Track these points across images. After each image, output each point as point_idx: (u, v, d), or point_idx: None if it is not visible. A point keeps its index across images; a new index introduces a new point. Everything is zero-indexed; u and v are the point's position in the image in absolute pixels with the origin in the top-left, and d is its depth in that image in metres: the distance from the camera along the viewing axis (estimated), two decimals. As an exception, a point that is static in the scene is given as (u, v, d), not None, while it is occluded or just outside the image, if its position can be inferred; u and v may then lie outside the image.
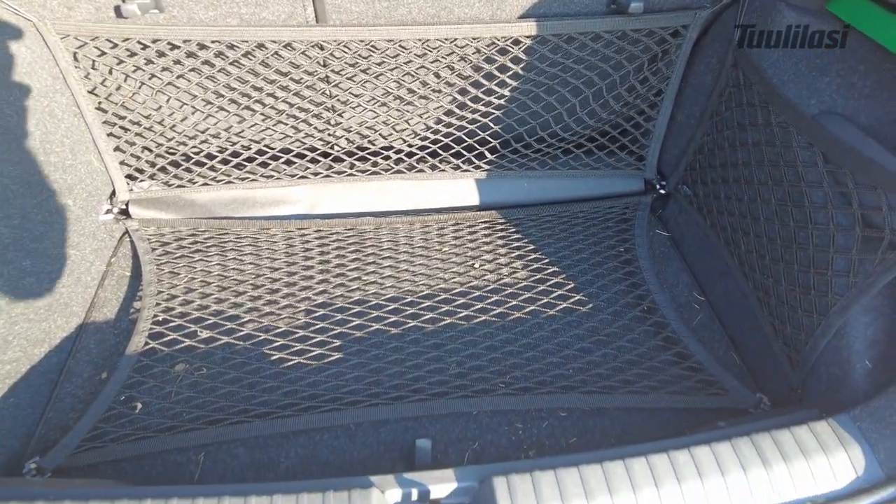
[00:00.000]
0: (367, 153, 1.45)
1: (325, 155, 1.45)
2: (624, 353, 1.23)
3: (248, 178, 1.44)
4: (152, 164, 1.41)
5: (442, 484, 0.85)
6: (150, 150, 1.40)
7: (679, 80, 1.39)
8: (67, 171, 1.25)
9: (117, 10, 1.14)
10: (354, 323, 1.25)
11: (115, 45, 1.20)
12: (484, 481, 0.82)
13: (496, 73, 1.32)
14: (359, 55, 1.27)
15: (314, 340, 1.21)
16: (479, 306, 1.29)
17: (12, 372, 1.06)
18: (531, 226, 1.50)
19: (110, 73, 1.25)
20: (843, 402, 0.99)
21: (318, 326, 1.24)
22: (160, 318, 1.24)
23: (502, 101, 1.38)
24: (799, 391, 1.10)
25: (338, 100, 1.35)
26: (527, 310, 1.29)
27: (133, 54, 1.23)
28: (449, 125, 1.42)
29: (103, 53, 1.21)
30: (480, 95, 1.36)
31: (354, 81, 1.32)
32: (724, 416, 1.13)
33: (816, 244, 1.06)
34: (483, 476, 0.84)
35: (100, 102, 1.27)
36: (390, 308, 1.28)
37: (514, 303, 1.30)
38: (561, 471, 0.82)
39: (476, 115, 1.40)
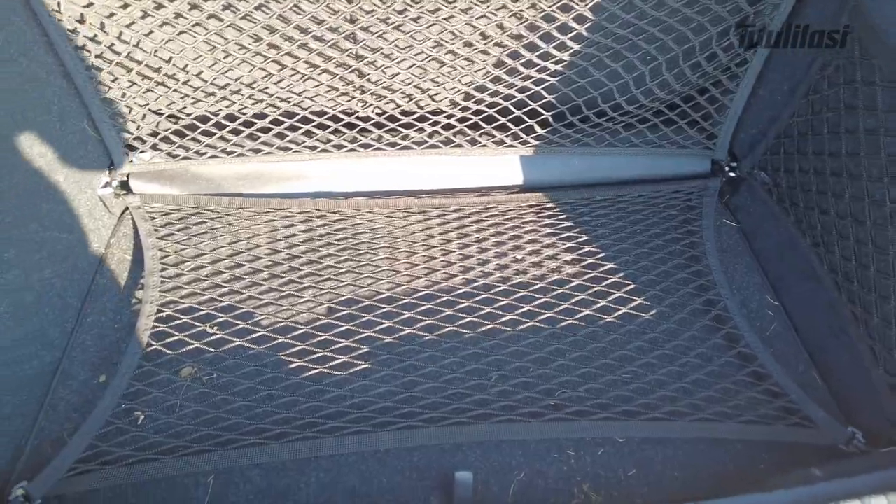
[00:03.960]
0: (399, 124, 1.26)
1: (350, 126, 1.26)
2: (692, 371, 1.07)
3: (262, 150, 1.26)
4: (154, 133, 1.23)
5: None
6: (152, 117, 1.22)
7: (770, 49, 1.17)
8: (55, 143, 1.08)
9: None
10: (383, 325, 1.09)
11: (105, -8, 1.00)
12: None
13: (555, 33, 1.11)
14: (393, 9, 1.07)
15: (339, 346, 1.06)
16: (525, 309, 1.13)
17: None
18: (583, 211, 1.32)
19: (102, 28, 1.06)
20: (968, 455, 0.83)
21: (342, 328, 1.09)
22: (164, 315, 1.10)
23: (559, 67, 1.17)
24: (903, 429, 0.95)
25: (366, 62, 1.16)
26: (580, 315, 1.13)
27: (127, 4, 1.03)
28: (495, 93, 1.22)
29: (90, 4, 1.01)
30: (535, 60, 1.15)
31: (386, 40, 1.12)
32: (807, 452, 0.98)
33: (946, 263, 0.88)
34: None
35: (91, 62, 1.08)
36: (424, 308, 1.12)
37: (566, 306, 1.14)
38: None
39: (528, 83, 1.20)
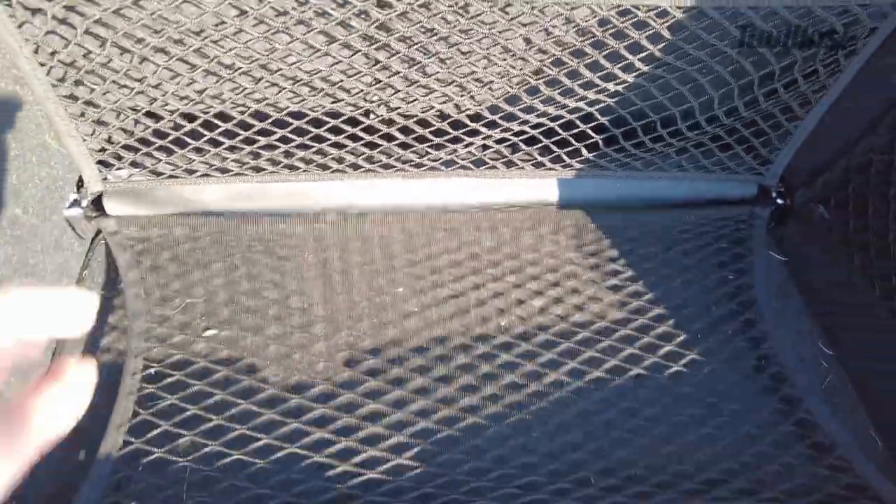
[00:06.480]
0: (428, 146, 1.08)
1: (371, 145, 1.07)
2: (754, 442, 0.98)
3: (264, 168, 1.07)
4: (133, 149, 1.02)
5: None
6: (129, 131, 1.01)
7: (852, 76, 1.03)
8: (11, 166, 0.87)
9: None
10: (418, 385, 0.95)
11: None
12: None
13: (624, 52, 0.94)
14: (440, 18, 0.88)
15: (391, 418, 0.92)
16: (569, 366, 1.00)
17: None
18: (626, 238, 1.19)
19: (61, 23, 0.84)
20: None
21: (387, 396, 0.94)
22: (153, 372, 0.93)
23: (620, 88, 1.01)
24: None
25: (387, 69, 0.97)
26: (629, 374, 1.01)
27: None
28: (543, 114, 1.05)
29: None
30: (596, 80, 0.99)
31: (427, 51, 0.94)
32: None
33: None
34: None
35: (51, 66, 0.86)
36: (459, 363, 0.98)
37: (614, 362, 1.01)
38: None
39: (581, 104, 1.03)
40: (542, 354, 1.00)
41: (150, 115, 1.00)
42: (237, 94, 0.96)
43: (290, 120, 1.00)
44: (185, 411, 0.89)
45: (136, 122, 1.00)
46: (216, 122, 0.98)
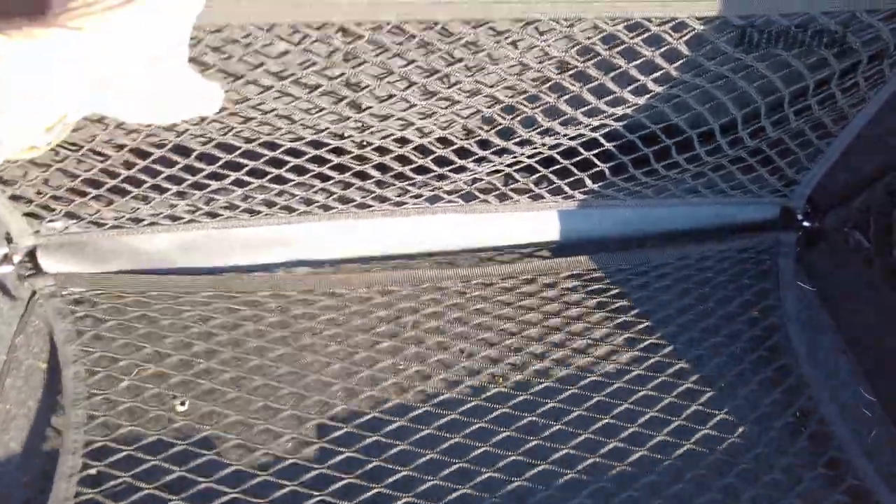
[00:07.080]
0: (408, 183, 0.94)
1: (345, 185, 0.93)
2: (797, 519, 0.84)
3: (220, 214, 0.93)
4: (66, 199, 0.88)
5: None
6: (64, 176, 0.86)
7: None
8: None
9: None
10: (398, 476, 0.81)
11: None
12: None
13: (635, 72, 0.80)
14: (420, 41, 0.73)
15: None
16: (581, 438, 0.86)
17: None
18: (641, 284, 1.05)
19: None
20: None
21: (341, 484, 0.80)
22: (92, 471, 0.78)
23: (630, 111, 0.87)
24: None
25: (369, 92, 0.83)
26: (655, 441, 0.87)
27: None
28: (542, 144, 0.91)
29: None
30: (602, 107, 0.84)
31: (383, 73, 0.79)
32: None
33: None
34: None
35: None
36: (449, 443, 0.84)
37: (634, 429, 0.88)
38: None
39: (585, 130, 0.89)
40: (550, 426, 0.86)
41: (83, 161, 0.85)
42: (180, 137, 0.82)
43: (246, 161, 0.86)
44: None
45: (66, 170, 0.85)
46: (158, 167, 0.84)
